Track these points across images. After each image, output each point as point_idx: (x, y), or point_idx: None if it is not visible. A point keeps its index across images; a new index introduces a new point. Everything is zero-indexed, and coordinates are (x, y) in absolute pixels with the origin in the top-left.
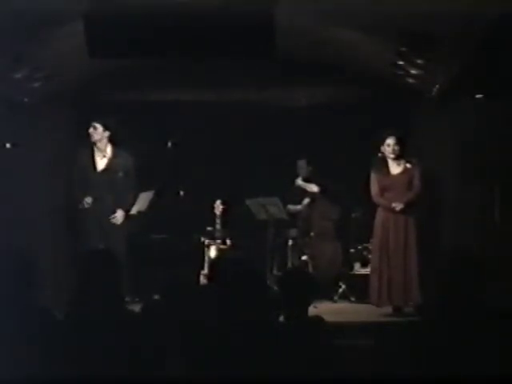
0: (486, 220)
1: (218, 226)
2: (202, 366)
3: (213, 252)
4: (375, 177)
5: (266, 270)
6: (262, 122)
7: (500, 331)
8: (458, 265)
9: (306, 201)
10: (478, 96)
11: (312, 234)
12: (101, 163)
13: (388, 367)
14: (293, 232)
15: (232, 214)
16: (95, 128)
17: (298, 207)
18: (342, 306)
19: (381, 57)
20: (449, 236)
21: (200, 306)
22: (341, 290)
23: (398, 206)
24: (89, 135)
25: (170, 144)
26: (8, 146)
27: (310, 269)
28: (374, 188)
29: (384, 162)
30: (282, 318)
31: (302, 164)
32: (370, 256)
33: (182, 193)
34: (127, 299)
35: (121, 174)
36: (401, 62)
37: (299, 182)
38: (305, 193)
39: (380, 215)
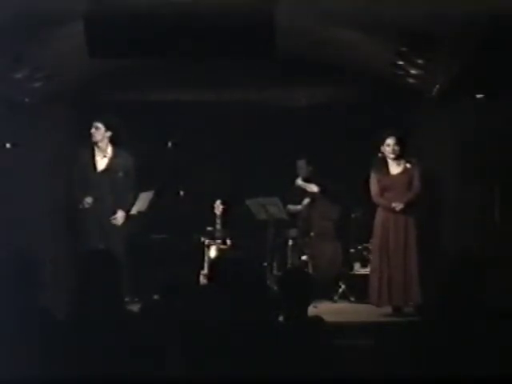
0: (486, 220)
1: (218, 226)
2: (201, 365)
3: (213, 252)
4: (375, 177)
5: (266, 270)
6: (262, 122)
7: (500, 331)
8: (458, 265)
9: (306, 201)
10: (478, 96)
11: (312, 233)
12: (101, 163)
13: (388, 367)
14: (293, 232)
15: (232, 214)
16: (97, 128)
17: (298, 207)
18: (342, 306)
19: (381, 57)
20: (449, 236)
21: (200, 306)
22: (341, 290)
23: (398, 206)
24: (90, 135)
25: (170, 144)
26: (8, 146)
27: (310, 269)
28: (374, 188)
29: (384, 162)
30: (281, 318)
31: (301, 164)
32: (369, 256)
33: (182, 193)
34: (127, 299)
35: (121, 174)
36: (401, 62)
37: (299, 182)
38: (305, 193)
39: (380, 215)
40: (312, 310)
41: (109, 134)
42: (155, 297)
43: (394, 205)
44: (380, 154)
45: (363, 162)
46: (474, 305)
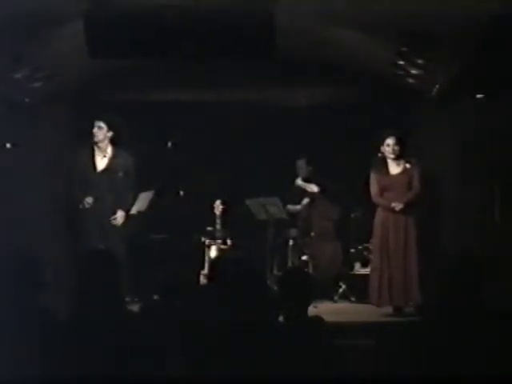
0: (486, 220)
1: (218, 226)
2: (202, 365)
3: (213, 252)
4: (375, 177)
5: (266, 269)
6: (262, 122)
7: (500, 331)
8: (458, 265)
9: (306, 201)
10: (478, 96)
11: (312, 233)
12: (101, 163)
13: (389, 367)
14: (293, 232)
15: (232, 214)
16: (100, 128)
17: (298, 207)
18: (343, 305)
19: (381, 57)
20: (449, 236)
21: (200, 306)
22: (341, 290)
23: (398, 206)
24: (92, 135)
25: (169, 144)
26: (8, 145)
27: (311, 269)
28: (374, 188)
29: (384, 162)
30: (281, 318)
31: (301, 164)
32: (370, 256)
33: (181, 193)
34: (127, 299)
35: (121, 174)
36: (401, 62)
37: (299, 182)
38: (305, 193)
39: (380, 215)
40: (312, 310)
41: (110, 134)
42: (155, 297)
43: (393, 205)
44: (380, 154)
45: (363, 162)
46: (473, 305)
